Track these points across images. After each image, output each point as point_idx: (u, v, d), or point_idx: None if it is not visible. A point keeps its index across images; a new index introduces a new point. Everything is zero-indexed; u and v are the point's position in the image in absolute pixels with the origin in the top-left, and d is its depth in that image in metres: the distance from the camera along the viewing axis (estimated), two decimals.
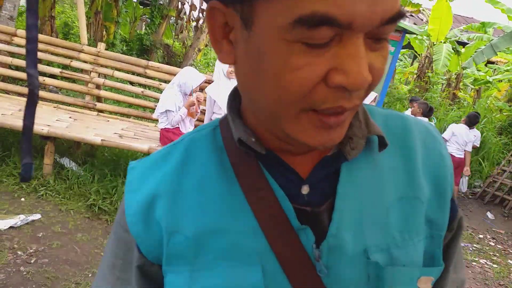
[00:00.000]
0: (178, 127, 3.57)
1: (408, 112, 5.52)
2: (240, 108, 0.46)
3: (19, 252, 2.55)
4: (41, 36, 4.34)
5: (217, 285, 0.43)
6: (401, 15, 0.33)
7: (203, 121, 3.83)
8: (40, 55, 4.24)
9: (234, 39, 0.38)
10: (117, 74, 4.42)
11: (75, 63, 4.33)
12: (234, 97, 0.47)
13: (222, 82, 3.75)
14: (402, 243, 0.44)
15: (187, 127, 3.61)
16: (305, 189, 0.44)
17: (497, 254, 4.51)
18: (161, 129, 3.61)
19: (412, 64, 14.34)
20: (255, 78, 0.36)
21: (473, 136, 5.32)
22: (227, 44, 0.39)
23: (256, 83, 0.37)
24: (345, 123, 0.38)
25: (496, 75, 9.97)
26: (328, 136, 0.37)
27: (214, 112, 3.75)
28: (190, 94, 3.57)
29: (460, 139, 5.13)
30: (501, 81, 9.90)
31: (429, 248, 0.46)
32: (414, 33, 6.23)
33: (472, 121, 5.38)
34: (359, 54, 0.32)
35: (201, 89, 3.80)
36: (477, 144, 5.87)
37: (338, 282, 0.42)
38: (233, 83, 3.81)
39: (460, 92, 10.29)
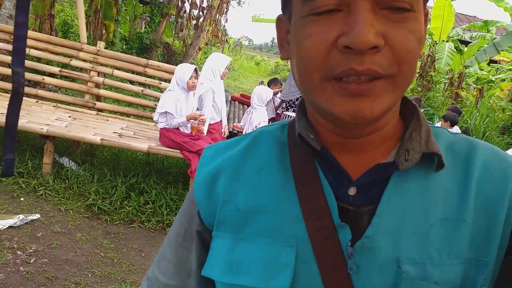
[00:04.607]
0: (178, 127, 3.54)
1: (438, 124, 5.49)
2: (306, 108, 0.52)
3: (18, 252, 2.53)
4: (40, 35, 4.33)
5: (253, 255, 0.48)
6: None
7: (202, 132, 3.67)
8: (39, 53, 4.23)
9: (289, 39, 0.46)
10: (117, 73, 4.41)
11: (74, 62, 4.32)
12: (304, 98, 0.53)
13: (217, 82, 3.74)
14: (438, 262, 0.44)
15: (187, 128, 3.58)
16: (352, 191, 0.46)
17: None
18: (161, 128, 3.59)
19: None
20: (294, 61, 0.44)
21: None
22: (287, 45, 0.48)
23: (295, 64, 0.44)
24: (375, 96, 0.39)
25: (498, 74, 9.92)
26: (355, 105, 0.39)
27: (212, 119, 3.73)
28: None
29: None
30: (504, 80, 9.85)
31: (470, 273, 0.45)
32: None
33: (455, 121, 5.35)
34: (361, 17, 0.37)
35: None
36: None
37: (366, 284, 0.44)
38: (222, 83, 3.82)
39: (463, 91, 10.24)
